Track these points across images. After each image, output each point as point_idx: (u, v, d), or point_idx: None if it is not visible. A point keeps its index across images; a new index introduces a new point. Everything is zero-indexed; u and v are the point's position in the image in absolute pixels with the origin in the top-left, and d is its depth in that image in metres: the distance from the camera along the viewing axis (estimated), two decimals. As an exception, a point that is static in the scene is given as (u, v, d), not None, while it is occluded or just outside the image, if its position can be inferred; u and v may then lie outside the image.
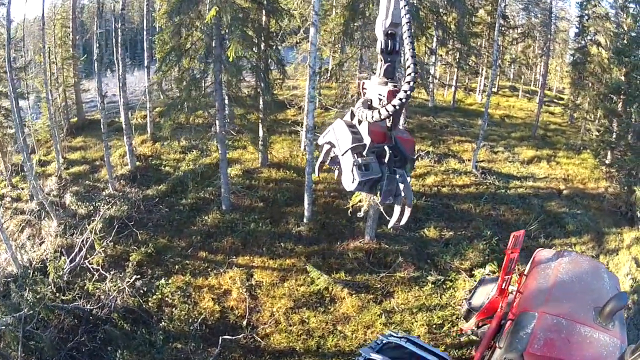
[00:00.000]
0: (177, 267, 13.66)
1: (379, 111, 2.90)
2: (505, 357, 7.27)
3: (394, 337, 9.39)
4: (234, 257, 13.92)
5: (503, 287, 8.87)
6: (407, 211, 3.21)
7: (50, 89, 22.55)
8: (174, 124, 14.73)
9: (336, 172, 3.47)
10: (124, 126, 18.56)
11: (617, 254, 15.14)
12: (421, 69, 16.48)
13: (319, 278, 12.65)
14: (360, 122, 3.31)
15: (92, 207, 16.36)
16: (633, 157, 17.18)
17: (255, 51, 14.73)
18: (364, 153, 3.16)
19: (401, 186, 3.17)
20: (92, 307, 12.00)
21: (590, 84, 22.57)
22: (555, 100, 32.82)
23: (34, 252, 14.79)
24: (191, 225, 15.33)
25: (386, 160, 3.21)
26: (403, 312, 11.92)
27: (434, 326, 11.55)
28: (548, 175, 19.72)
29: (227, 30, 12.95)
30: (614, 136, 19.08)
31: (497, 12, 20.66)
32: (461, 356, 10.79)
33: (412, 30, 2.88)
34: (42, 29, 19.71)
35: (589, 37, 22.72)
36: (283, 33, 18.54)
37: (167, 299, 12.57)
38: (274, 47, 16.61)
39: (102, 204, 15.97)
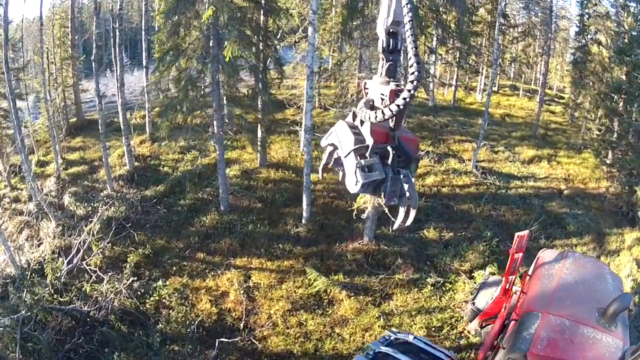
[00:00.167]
0: (174, 268, 13.59)
1: (382, 111, 2.86)
2: (508, 357, 7.31)
3: (402, 334, 9.41)
4: (232, 258, 13.84)
5: (507, 287, 8.92)
6: (412, 212, 3.19)
7: (49, 89, 22.50)
8: (171, 124, 14.64)
9: (340, 173, 3.44)
10: (122, 127, 18.48)
11: (618, 255, 15.04)
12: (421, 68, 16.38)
13: (317, 280, 12.55)
14: (362, 122, 3.29)
15: (90, 208, 16.31)
16: (634, 156, 17.09)
17: (253, 51, 14.62)
18: (367, 154, 3.13)
19: (405, 186, 3.15)
20: (89, 309, 11.92)
21: (591, 83, 22.43)
22: (556, 100, 32.69)
23: (32, 253, 14.75)
24: (189, 226, 15.25)
25: (389, 161, 3.18)
26: (402, 315, 11.81)
27: (433, 329, 11.44)
28: (549, 175, 19.61)
29: (224, 30, 12.85)
30: (615, 136, 18.95)
31: (498, 11, 20.54)
32: (461, 359, 10.70)
33: (415, 29, 2.83)
34: (40, 29, 19.61)
35: (589, 36, 22.58)
36: (281, 32, 18.44)
37: (164, 300, 12.49)
38: (272, 46, 16.51)
39: (100, 205, 15.92)
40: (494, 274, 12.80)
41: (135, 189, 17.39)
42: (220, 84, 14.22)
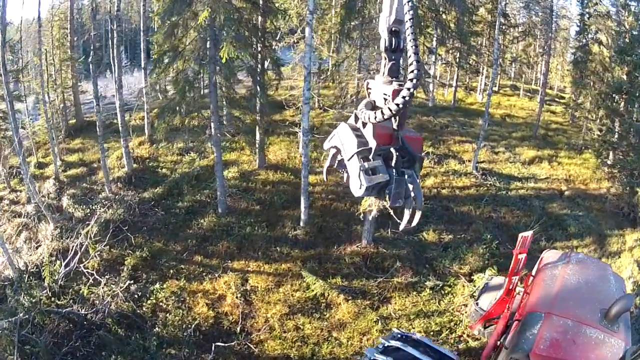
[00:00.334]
0: (172, 271, 13.52)
1: (381, 111, 2.82)
2: (511, 357, 7.37)
3: (408, 333, 9.33)
4: (229, 261, 13.76)
5: (510, 288, 8.97)
6: (418, 213, 3.15)
7: (47, 90, 22.47)
8: (168, 126, 14.56)
9: (344, 175, 3.40)
10: (120, 128, 18.42)
11: (619, 257, 14.92)
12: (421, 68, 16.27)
13: (314, 283, 12.46)
14: (364, 124, 3.25)
15: (88, 210, 16.25)
16: (635, 157, 16.98)
17: (250, 52, 14.52)
18: (370, 157, 3.10)
19: (410, 187, 3.11)
20: (86, 312, 11.91)
21: (591, 83, 22.31)
22: (556, 100, 32.54)
23: (31, 255, 14.72)
24: (187, 229, 15.18)
25: (393, 162, 3.14)
26: (400, 319, 11.70)
27: (432, 333, 11.32)
28: (549, 176, 19.48)
29: (221, 31, 12.75)
30: (616, 136, 18.82)
31: (498, 11, 20.42)
32: (460, 363, 10.60)
33: (415, 27, 2.80)
34: (38, 31, 19.57)
35: (590, 36, 22.46)
36: (279, 33, 18.34)
37: (161, 304, 12.44)
38: (270, 47, 16.41)
39: (98, 208, 15.88)
40: (492, 277, 12.68)
41: (133, 191, 17.33)
42: (218, 85, 14.13)
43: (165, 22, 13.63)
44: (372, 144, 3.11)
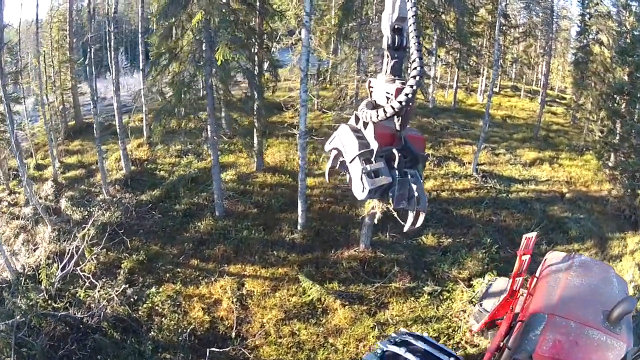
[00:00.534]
0: (168, 275, 13.42)
1: (384, 109, 2.75)
2: (514, 357, 7.40)
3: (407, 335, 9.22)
4: (226, 265, 13.65)
5: (514, 289, 9.01)
6: (422, 214, 3.08)
7: (46, 92, 22.44)
8: (164, 129, 14.47)
9: (347, 176, 3.32)
10: (118, 130, 18.37)
11: (621, 260, 14.76)
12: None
13: (311, 288, 12.32)
14: (365, 125, 3.18)
15: (86, 212, 16.19)
16: (637, 159, 16.84)
17: (247, 54, 14.42)
18: (372, 159, 3.03)
19: (414, 187, 3.05)
20: (82, 315, 11.87)
21: (592, 84, 22.15)
22: (557, 100, 32.35)
23: (28, 258, 14.70)
24: (184, 232, 15.09)
25: (396, 164, 3.07)
26: (397, 325, 11.52)
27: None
28: (550, 178, 19.32)
29: (216, 33, 12.65)
30: (617, 138, 18.64)
31: (498, 11, 20.31)
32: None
33: (418, 24, 2.72)
34: (36, 34, 19.55)
35: (591, 36, 22.33)
36: (276, 35, 18.24)
37: (157, 308, 12.34)
38: (267, 49, 16.30)
39: (96, 210, 15.83)
40: (495, 278, 12.54)
41: (131, 194, 17.24)
42: (214, 87, 14.04)
43: (159, 24, 13.54)
44: (374, 145, 3.04)
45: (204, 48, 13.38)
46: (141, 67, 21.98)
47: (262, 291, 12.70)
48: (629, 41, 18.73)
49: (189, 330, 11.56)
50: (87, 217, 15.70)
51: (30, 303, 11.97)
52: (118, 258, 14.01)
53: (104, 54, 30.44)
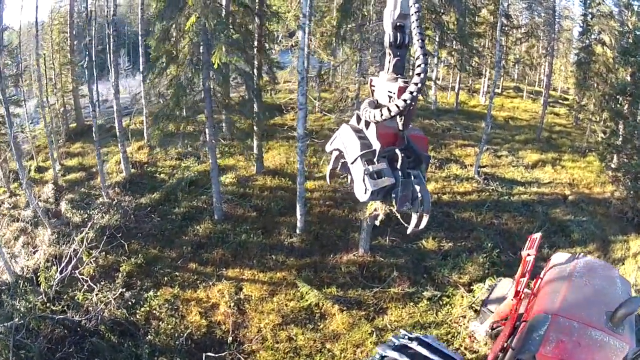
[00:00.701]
0: (166, 278, 13.37)
1: (387, 108, 2.67)
2: (518, 358, 7.42)
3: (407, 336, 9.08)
4: (224, 269, 13.57)
5: (518, 290, 8.98)
6: (425, 216, 3.04)
7: (47, 95, 22.48)
8: (162, 132, 14.42)
9: (348, 177, 3.26)
10: (117, 133, 18.36)
11: (623, 263, 14.58)
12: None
13: (309, 293, 12.22)
14: (367, 125, 3.10)
15: (86, 215, 16.19)
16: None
17: (244, 56, 14.34)
18: (375, 159, 2.96)
19: (417, 188, 2.99)
20: (80, 319, 11.88)
21: (595, 85, 21.94)
22: (560, 101, 32.10)
23: (28, 260, 14.73)
24: (182, 235, 15.03)
25: (399, 164, 3.00)
26: (396, 330, 11.38)
27: (428, 344, 11.07)
28: (553, 180, 19.13)
29: (212, 36, 12.57)
30: (620, 139, 18.44)
31: (500, 12, 20.18)
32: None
33: (422, 21, 2.64)
34: (36, 36, 19.57)
35: (593, 36, 22.12)
36: (275, 37, 18.15)
37: (154, 311, 12.31)
38: (266, 51, 16.21)
39: (96, 213, 15.82)
40: (500, 279, 12.41)
41: (130, 197, 17.20)
42: (212, 90, 13.97)
43: (156, 26, 13.48)
44: (376, 145, 2.97)
45: (201, 51, 13.31)
46: (141, 69, 21.95)
47: (259, 295, 12.61)
48: (632, 41, 18.56)
49: (185, 334, 11.52)
50: (86, 220, 15.71)
51: (29, 305, 12.02)
52: (116, 261, 13.98)
53: (106, 56, 30.52)
